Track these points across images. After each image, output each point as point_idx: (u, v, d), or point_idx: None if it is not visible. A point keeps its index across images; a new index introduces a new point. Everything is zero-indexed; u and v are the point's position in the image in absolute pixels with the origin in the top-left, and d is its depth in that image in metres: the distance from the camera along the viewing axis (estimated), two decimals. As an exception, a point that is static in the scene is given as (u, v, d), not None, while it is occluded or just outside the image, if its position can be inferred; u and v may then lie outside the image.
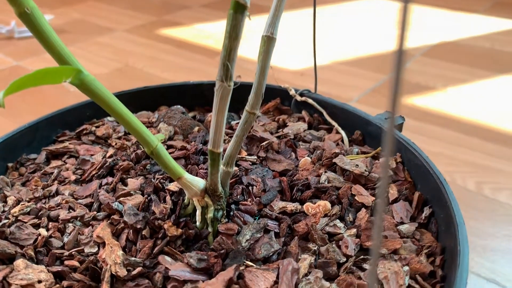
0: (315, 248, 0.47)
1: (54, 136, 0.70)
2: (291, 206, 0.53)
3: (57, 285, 0.43)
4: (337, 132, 0.67)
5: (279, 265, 0.44)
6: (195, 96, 0.80)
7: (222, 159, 0.48)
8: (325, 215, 0.51)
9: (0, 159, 0.63)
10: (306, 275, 0.45)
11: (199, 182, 0.48)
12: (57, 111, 0.71)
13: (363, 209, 0.52)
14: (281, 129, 0.69)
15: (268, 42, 0.46)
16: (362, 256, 0.46)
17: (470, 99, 1.11)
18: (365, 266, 0.46)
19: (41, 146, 0.68)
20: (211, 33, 1.65)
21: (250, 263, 0.45)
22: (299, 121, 0.71)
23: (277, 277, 0.43)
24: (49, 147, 0.67)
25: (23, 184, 0.60)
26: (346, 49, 1.41)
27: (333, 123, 0.68)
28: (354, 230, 0.49)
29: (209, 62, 1.39)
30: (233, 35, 0.38)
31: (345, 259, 0.46)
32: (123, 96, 0.76)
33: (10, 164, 0.64)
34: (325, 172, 0.58)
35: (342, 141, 0.65)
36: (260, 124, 0.70)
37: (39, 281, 0.44)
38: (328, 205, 0.52)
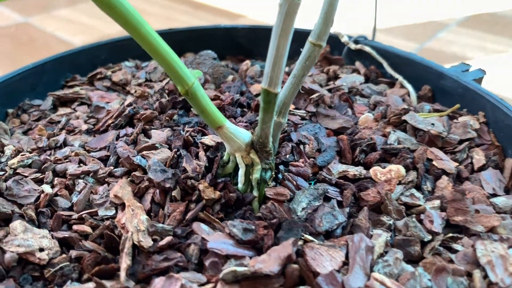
0: (390, 222, 0.38)
1: (63, 81, 0.61)
2: (353, 170, 0.43)
3: (63, 255, 0.35)
4: (402, 87, 0.57)
5: (348, 242, 0.35)
6: (227, 43, 0.70)
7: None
8: (399, 183, 0.42)
9: (-2, 104, 0.54)
10: (382, 255, 0.35)
11: (244, 134, 0.39)
12: (67, 52, 0.62)
13: (444, 177, 0.43)
14: (332, 82, 0.59)
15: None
16: (451, 234, 0.37)
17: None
18: (456, 246, 0.36)
19: (47, 91, 0.59)
20: None
21: (310, 237, 0.36)
22: (353, 73, 0.61)
23: (346, 256, 0.34)
24: (57, 92, 0.57)
25: (25, 133, 0.52)
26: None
27: (397, 75, 0.58)
28: (437, 202, 0.40)
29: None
30: None
31: (430, 237, 0.37)
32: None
33: (10, 110, 0.56)
34: (393, 131, 0.48)
35: (408, 97, 0.55)
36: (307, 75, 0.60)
37: (41, 249, 0.35)
38: (402, 170, 0.43)
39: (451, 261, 0.35)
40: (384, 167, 0.44)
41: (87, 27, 1.28)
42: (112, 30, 1.24)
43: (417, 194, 0.41)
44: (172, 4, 1.47)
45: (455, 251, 0.36)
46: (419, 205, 0.40)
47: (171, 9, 1.42)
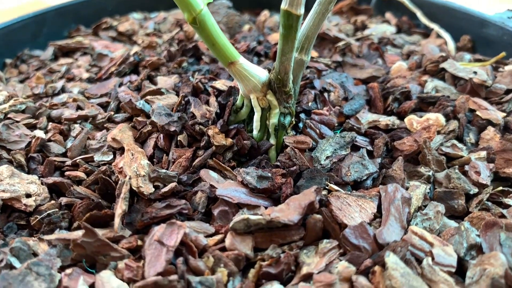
0: (429, 174, 0.33)
1: (66, 32, 0.57)
2: (385, 119, 0.38)
3: (52, 202, 0.31)
4: (438, 37, 0.52)
5: (381, 192, 0.30)
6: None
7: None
8: (438, 132, 0.37)
9: (-6, 53, 0.51)
10: (420, 208, 0.31)
11: (261, 72, 0.34)
12: (71, 2, 0.58)
13: (490, 128, 0.38)
14: (359, 32, 0.54)
15: None
16: (501, 188, 0.32)
17: None
18: (508, 201, 0.31)
19: (48, 42, 0.55)
20: None
21: (335, 187, 0.31)
22: (383, 24, 0.55)
23: (378, 209, 0.30)
24: (58, 42, 0.53)
25: (22, 82, 0.48)
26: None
27: (432, 25, 0.52)
28: (483, 153, 0.35)
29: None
30: None
31: (476, 190, 0.32)
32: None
33: (8, 61, 0.52)
34: (430, 80, 0.43)
35: (446, 47, 0.50)
36: (332, 24, 0.55)
37: (28, 195, 0.31)
38: (441, 119, 0.38)
39: (502, 216, 0.30)
40: (421, 116, 0.38)
41: None
42: None
43: (460, 145, 0.36)
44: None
45: (506, 206, 0.31)
46: (462, 156, 0.35)
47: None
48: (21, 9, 1.27)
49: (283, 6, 0.30)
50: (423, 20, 0.53)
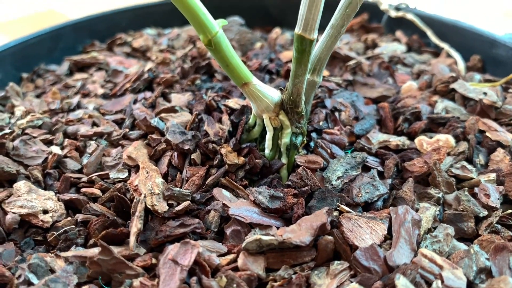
0: (439, 196, 0.33)
1: (81, 47, 0.58)
2: (396, 140, 0.39)
3: (69, 218, 0.32)
4: (448, 56, 0.52)
5: (391, 214, 0.31)
6: (255, 11, 0.66)
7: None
8: (447, 154, 0.37)
9: (11, 67, 0.52)
10: (429, 231, 0.31)
11: (273, 92, 0.35)
12: (86, 17, 0.59)
13: (500, 149, 0.38)
14: (370, 50, 0.55)
15: None
16: (510, 211, 0.32)
17: None
18: (518, 225, 0.32)
19: (64, 56, 0.56)
20: None
21: (347, 208, 0.31)
22: (393, 42, 0.56)
23: (389, 230, 0.30)
24: (74, 57, 0.55)
25: (38, 96, 0.49)
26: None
27: (442, 44, 0.53)
28: (492, 175, 0.35)
29: None
30: None
31: (486, 213, 0.32)
32: (166, 6, 0.63)
33: (25, 75, 0.53)
34: (440, 100, 0.43)
35: (456, 66, 0.50)
36: (343, 42, 0.55)
37: (45, 211, 0.32)
38: (451, 140, 0.38)
39: (511, 239, 0.31)
40: (431, 137, 0.39)
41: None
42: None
43: (469, 166, 0.36)
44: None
45: (516, 229, 0.32)
46: (472, 178, 0.35)
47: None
48: (33, 18, 1.30)
49: (297, 31, 0.31)
50: (433, 39, 0.54)
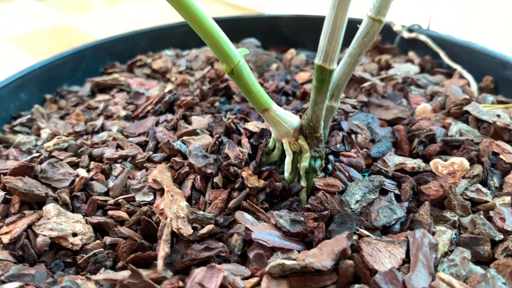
0: (455, 219, 0.34)
1: (102, 68, 0.60)
2: (411, 162, 0.40)
3: (97, 241, 0.33)
4: (460, 77, 0.53)
5: (409, 238, 0.32)
6: (269, 33, 0.67)
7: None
8: (462, 177, 0.38)
9: (36, 89, 0.54)
10: (446, 254, 0.32)
11: (293, 118, 0.36)
12: (106, 39, 0.61)
13: (514, 172, 0.39)
14: (384, 71, 0.56)
15: None
16: (526, 235, 0.33)
17: None
18: (533, 249, 0.32)
19: (86, 78, 0.58)
20: None
21: (366, 232, 0.32)
22: (406, 63, 0.57)
23: (407, 254, 0.31)
24: (95, 78, 0.56)
25: (62, 118, 0.50)
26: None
27: (455, 65, 0.54)
28: (507, 198, 0.36)
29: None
30: None
31: (501, 237, 0.33)
32: (184, 27, 0.65)
33: (48, 96, 0.55)
34: (454, 122, 0.44)
35: (469, 88, 0.51)
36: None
37: (74, 234, 0.33)
38: (466, 163, 0.39)
39: (527, 264, 0.31)
40: (446, 160, 0.40)
41: (127, 27, 1.28)
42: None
43: (484, 189, 0.37)
44: (209, 4, 1.46)
45: (532, 253, 0.32)
46: (487, 201, 0.36)
47: (208, 10, 1.41)
48: (50, 31, 1.33)
49: (317, 61, 0.32)
50: (446, 60, 0.55)
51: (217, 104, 0.48)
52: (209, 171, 0.36)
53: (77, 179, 0.38)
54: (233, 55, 0.33)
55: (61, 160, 0.40)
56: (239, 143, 0.41)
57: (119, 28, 1.27)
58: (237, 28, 0.67)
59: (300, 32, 0.67)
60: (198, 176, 0.37)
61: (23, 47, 1.18)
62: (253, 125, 0.42)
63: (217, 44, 0.32)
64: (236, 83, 0.34)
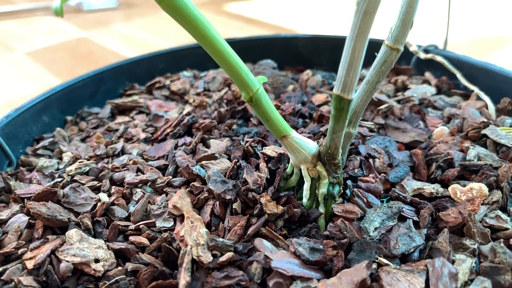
0: (474, 247, 0.34)
1: (121, 90, 0.61)
2: (430, 188, 0.40)
3: (119, 268, 0.33)
4: (478, 99, 0.53)
5: (428, 267, 0.31)
6: (285, 53, 0.68)
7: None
8: (481, 203, 0.38)
9: (57, 111, 0.55)
10: (466, 284, 0.32)
11: (311, 145, 0.36)
12: (125, 61, 0.62)
13: (534, 199, 0.38)
14: (400, 93, 0.56)
15: None
16: (547, 264, 0.33)
17: None
18: (554, 279, 0.32)
19: (105, 99, 0.59)
20: (282, 10, 1.53)
21: (385, 261, 0.32)
22: (423, 84, 0.57)
23: (426, 283, 0.31)
24: (115, 100, 0.57)
25: (83, 140, 0.51)
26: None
27: (472, 87, 0.54)
28: (528, 226, 0.36)
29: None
30: None
31: (522, 266, 0.33)
32: (201, 49, 0.65)
33: (69, 118, 0.56)
34: (472, 146, 0.44)
35: (486, 110, 0.51)
36: (373, 85, 0.56)
37: (96, 260, 0.34)
38: (485, 189, 0.39)
39: (549, 294, 0.31)
40: (464, 185, 0.40)
41: (143, 42, 1.30)
42: (167, 46, 1.26)
43: (503, 216, 0.37)
44: (223, 19, 1.47)
45: (553, 283, 0.32)
46: (507, 229, 0.36)
47: (222, 23, 1.43)
48: (69, 44, 1.35)
49: (336, 91, 0.32)
50: (463, 81, 0.55)
51: (234, 127, 0.49)
52: (228, 197, 0.37)
53: (99, 204, 0.38)
54: (252, 84, 0.33)
55: (83, 184, 0.41)
56: (257, 167, 0.41)
57: (135, 43, 1.29)
58: (253, 47, 0.68)
59: (316, 52, 0.67)
60: (217, 202, 0.37)
61: (40, 62, 1.20)
62: (271, 150, 0.42)
63: (236, 73, 0.33)
64: (254, 110, 0.35)
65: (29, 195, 0.40)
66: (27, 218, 0.38)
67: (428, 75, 0.59)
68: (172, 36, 1.33)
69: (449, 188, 0.40)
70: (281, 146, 0.44)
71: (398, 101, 0.53)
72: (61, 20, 1.54)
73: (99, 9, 1.66)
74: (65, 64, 1.17)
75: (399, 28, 0.34)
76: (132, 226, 0.37)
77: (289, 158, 0.41)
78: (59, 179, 0.41)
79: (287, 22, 1.43)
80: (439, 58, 0.57)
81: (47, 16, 1.60)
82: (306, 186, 0.37)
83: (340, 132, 0.34)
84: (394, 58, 0.35)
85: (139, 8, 1.63)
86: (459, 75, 0.55)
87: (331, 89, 0.58)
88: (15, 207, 0.39)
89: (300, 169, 0.38)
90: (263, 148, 0.43)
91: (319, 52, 0.67)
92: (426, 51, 0.59)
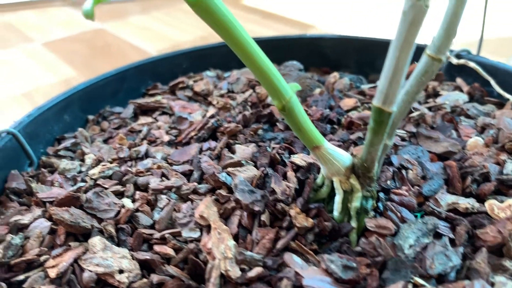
0: (515, 269, 0.32)
1: (144, 89, 0.60)
2: (465, 202, 0.38)
3: (144, 280, 0.32)
4: (513, 108, 0.51)
5: (467, 290, 0.30)
6: (311, 54, 0.66)
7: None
8: (521, 221, 0.36)
9: (79, 110, 0.54)
10: (508, 309, 0.30)
11: (344, 156, 0.35)
12: (148, 59, 0.60)
13: None
14: (431, 99, 0.54)
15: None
16: None
17: None
18: None
19: (127, 99, 0.58)
20: (300, 4, 1.51)
21: (421, 281, 0.31)
22: (455, 91, 0.55)
23: (466, 307, 0.29)
24: (138, 100, 0.56)
25: (105, 141, 0.50)
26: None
27: (507, 95, 0.51)
28: None
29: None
30: None
31: None
32: (224, 48, 0.64)
33: (90, 117, 0.55)
34: (509, 159, 0.42)
35: (522, 120, 0.49)
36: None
37: (121, 271, 0.33)
38: (524, 206, 0.37)
39: None
40: (502, 201, 0.38)
41: (160, 34, 1.29)
42: (184, 38, 1.25)
43: (545, 236, 0.35)
44: (239, 12, 1.46)
45: None
46: (549, 250, 0.34)
47: (239, 17, 1.42)
48: (85, 35, 1.35)
49: (376, 103, 0.31)
50: (498, 89, 0.53)
51: (260, 131, 0.48)
52: (256, 208, 0.35)
53: (123, 210, 0.37)
54: (285, 92, 0.32)
55: (106, 188, 0.40)
56: (284, 176, 0.40)
57: (152, 35, 1.28)
58: (279, 47, 0.67)
59: (342, 53, 0.65)
60: (245, 213, 0.36)
61: (57, 53, 1.20)
62: (300, 158, 0.41)
63: (269, 80, 0.31)
64: (286, 119, 0.33)
65: (51, 199, 0.39)
66: (49, 223, 0.37)
67: (459, 81, 0.57)
68: (190, 30, 1.32)
69: (486, 204, 0.38)
70: (309, 154, 0.43)
71: (430, 108, 0.51)
72: (78, 11, 1.55)
73: (116, 0, 1.66)
74: (82, 55, 1.17)
75: (442, 37, 0.32)
76: (157, 235, 0.36)
77: (318, 168, 0.39)
78: (82, 184, 0.40)
79: (305, 16, 1.41)
80: (472, 64, 0.55)
81: (65, 6, 1.60)
82: (338, 199, 0.36)
83: (378, 145, 0.33)
84: (435, 69, 0.33)
85: (157, 0, 1.63)
86: (493, 82, 0.53)
87: (359, 93, 0.56)
88: (37, 211, 0.38)
89: (332, 181, 0.36)
90: (291, 156, 0.42)
91: (346, 54, 0.65)
92: (458, 56, 0.57)
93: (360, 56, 0.64)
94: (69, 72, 1.06)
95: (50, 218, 0.37)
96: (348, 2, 1.50)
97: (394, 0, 1.46)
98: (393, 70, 0.29)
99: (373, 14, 1.37)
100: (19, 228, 0.37)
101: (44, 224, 0.37)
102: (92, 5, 0.29)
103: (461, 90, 0.55)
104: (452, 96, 0.53)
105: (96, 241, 0.35)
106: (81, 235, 0.37)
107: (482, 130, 0.48)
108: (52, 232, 0.37)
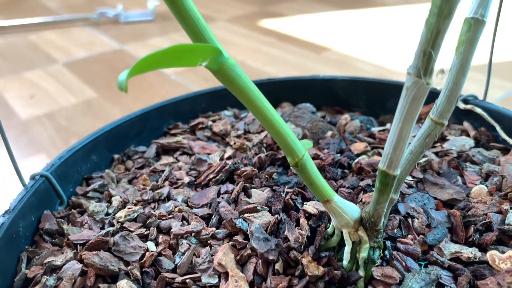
0: (513, 322, 0.34)
1: (166, 127, 0.63)
2: (467, 252, 0.40)
3: (168, 324, 0.35)
4: (517, 155, 0.53)
5: None
6: (324, 94, 0.69)
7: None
8: (520, 272, 0.38)
9: (105, 150, 0.57)
10: None
11: (353, 209, 0.37)
12: (169, 100, 0.64)
13: None
14: (439, 144, 0.56)
15: (476, 26, 0.34)
16: None
17: None
18: None
19: (150, 137, 0.61)
20: (315, 26, 1.55)
21: (423, 333, 0.33)
22: (461, 135, 0.57)
23: None
24: (160, 140, 0.59)
25: (130, 182, 0.53)
26: None
27: (512, 141, 0.53)
28: None
29: (314, 58, 1.29)
30: (445, 10, 0.27)
31: None
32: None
33: (116, 156, 0.58)
34: (511, 209, 0.44)
35: (526, 167, 0.51)
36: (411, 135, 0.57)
37: (146, 315, 0.35)
38: (524, 258, 0.39)
39: None
40: (503, 252, 0.40)
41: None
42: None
43: (543, 288, 0.37)
44: (256, 35, 1.50)
45: None
46: (547, 304, 0.36)
47: (255, 39, 1.45)
48: (106, 56, 1.39)
49: (381, 166, 0.33)
50: (503, 135, 0.55)
51: (275, 176, 0.50)
52: (271, 257, 0.38)
53: (147, 254, 0.40)
54: (298, 150, 0.35)
55: (132, 231, 0.43)
56: (297, 222, 0.42)
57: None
58: (293, 87, 0.70)
59: (354, 94, 0.68)
60: (260, 261, 0.38)
61: (79, 74, 1.24)
62: (312, 206, 0.43)
63: (284, 140, 0.34)
64: (299, 175, 0.36)
65: (82, 241, 0.42)
66: (80, 265, 0.40)
67: (466, 125, 0.59)
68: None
69: (487, 254, 0.40)
70: (321, 201, 0.45)
71: (437, 154, 0.54)
72: (99, 31, 1.60)
73: (136, 21, 1.70)
74: (102, 77, 1.21)
75: (444, 104, 0.35)
76: (179, 279, 0.38)
77: (329, 216, 0.42)
78: (110, 229, 0.43)
79: (320, 38, 1.44)
80: (478, 110, 0.57)
81: (86, 27, 1.65)
82: (348, 249, 0.38)
83: (383, 204, 0.35)
84: (438, 132, 0.36)
85: (174, 22, 1.67)
86: (498, 128, 0.55)
87: (370, 135, 0.59)
88: (69, 253, 0.41)
89: (341, 231, 0.39)
90: (304, 203, 0.44)
91: (357, 94, 0.68)
92: (465, 101, 0.59)
93: (370, 97, 0.67)
94: (90, 94, 1.10)
95: (81, 260, 0.40)
96: (363, 24, 1.53)
97: (407, 24, 1.49)
98: (397, 139, 0.32)
99: (388, 37, 1.39)
100: (52, 269, 0.40)
101: (75, 266, 0.40)
102: (127, 77, 0.32)
103: (468, 135, 0.58)
104: (459, 141, 0.55)
105: (123, 284, 0.38)
106: (109, 276, 0.39)
107: (486, 177, 0.50)
108: (83, 273, 0.40)
